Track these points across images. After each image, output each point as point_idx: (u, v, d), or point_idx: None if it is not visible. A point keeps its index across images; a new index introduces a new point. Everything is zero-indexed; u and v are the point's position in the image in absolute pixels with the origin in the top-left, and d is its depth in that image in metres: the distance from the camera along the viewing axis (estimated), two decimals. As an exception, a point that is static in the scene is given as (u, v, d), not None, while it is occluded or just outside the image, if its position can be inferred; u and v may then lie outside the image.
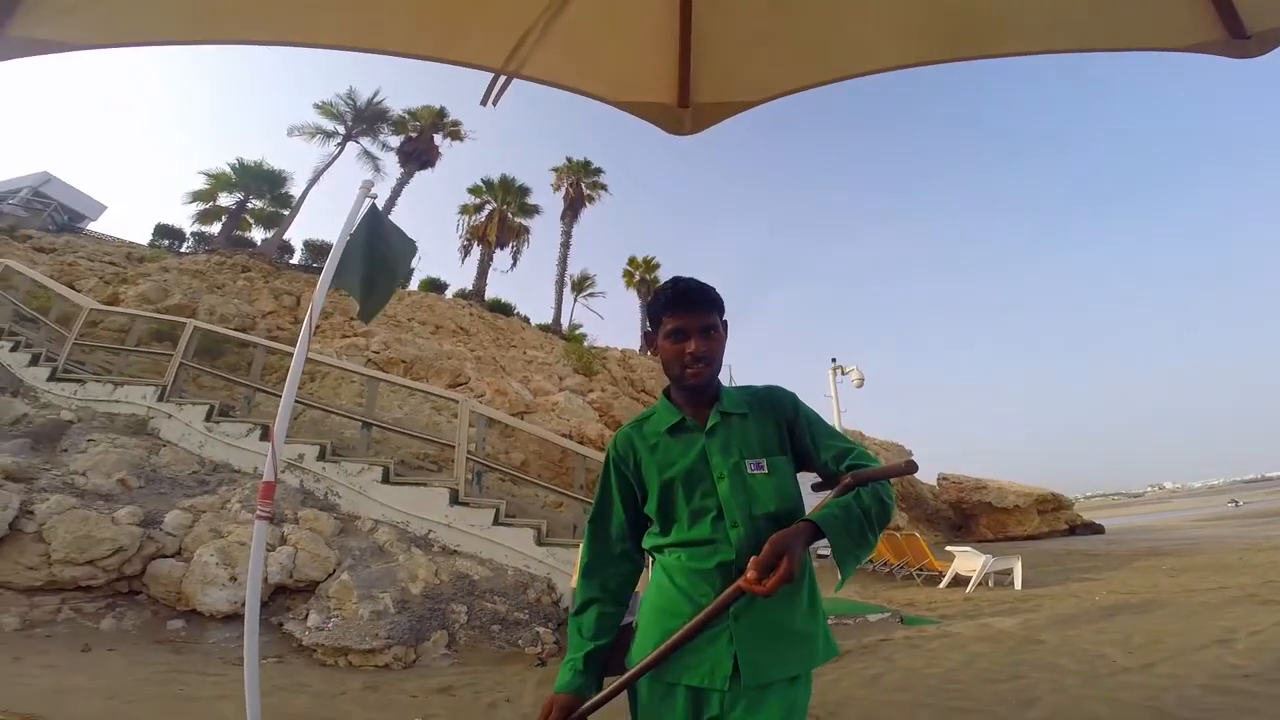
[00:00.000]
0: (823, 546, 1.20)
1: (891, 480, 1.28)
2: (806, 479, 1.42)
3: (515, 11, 1.64)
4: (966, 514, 25.42)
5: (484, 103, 1.69)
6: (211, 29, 1.61)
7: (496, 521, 6.14)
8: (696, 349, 1.34)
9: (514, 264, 30.38)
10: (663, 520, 1.35)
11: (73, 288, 12.35)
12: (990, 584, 9.94)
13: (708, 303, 1.38)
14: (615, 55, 1.85)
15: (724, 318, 1.43)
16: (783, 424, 1.40)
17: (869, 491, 1.24)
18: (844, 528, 1.19)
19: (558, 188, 32.34)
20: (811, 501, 1.28)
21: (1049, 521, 24.85)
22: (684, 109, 1.91)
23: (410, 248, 4.24)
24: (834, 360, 15.09)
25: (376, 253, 4.10)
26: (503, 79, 1.68)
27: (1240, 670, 3.89)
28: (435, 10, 1.66)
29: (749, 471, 1.31)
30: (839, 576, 1.24)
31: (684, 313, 1.36)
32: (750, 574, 1.11)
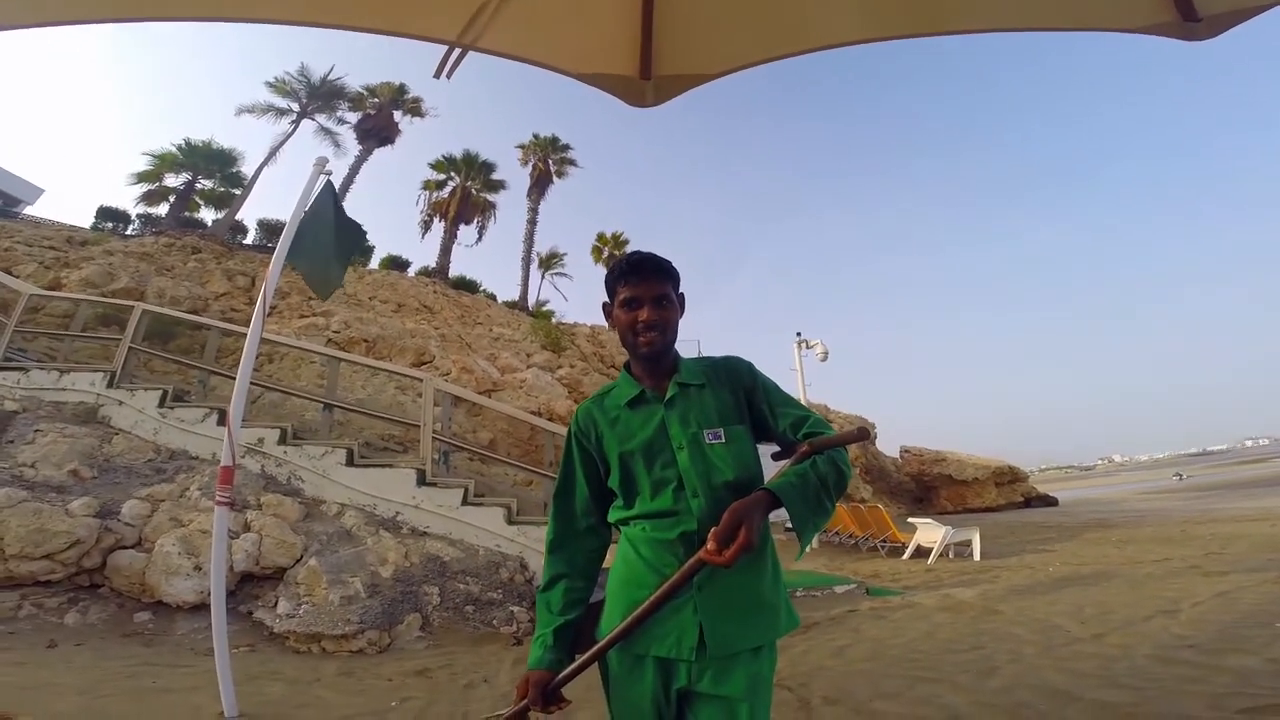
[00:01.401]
0: (788, 519, 1.22)
1: (849, 448, 1.30)
2: (768, 449, 1.43)
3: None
4: (928, 486, 26.16)
5: (437, 75, 1.63)
6: (148, 5, 1.52)
7: (465, 501, 6.09)
8: (649, 316, 1.35)
9: (479, 239, 29.93)
10: (626, 493, 1.35)
11: (10, 273, 11.75)
12: (951, 555, 10.27)
13: (662, 273, 1.38)
14: (576, 27, 1.81)
15: (679, 291, 1.43)
16: (740, 393, 1.41)
17: (825, 459, 1.25)
18: (801, 495, 1.20)
19: (525, 163, 31.85)
20: (771, 470, 1.30)
21: (1006, 494, 25.73)
22: (646, 81, 1.89)
23: (358, 231, 4.18)
24: (799, 334, 15.24)
25: (336, 230, 4.01)
26: (457, 51, 1.63)
27: (1185, 641, 4.07)
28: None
29: (707, 441, 1.31)
30: (800, 545, 1.25)
31: (638, 281, 1.37)
32: (710, 545, 1.12)
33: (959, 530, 10.41)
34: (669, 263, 1.41)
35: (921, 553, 10.41)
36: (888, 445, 29.11)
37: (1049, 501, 27.20)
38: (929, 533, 10.42)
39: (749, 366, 1.46)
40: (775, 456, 1.36)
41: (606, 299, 1.45)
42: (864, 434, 1.34)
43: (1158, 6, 1.64)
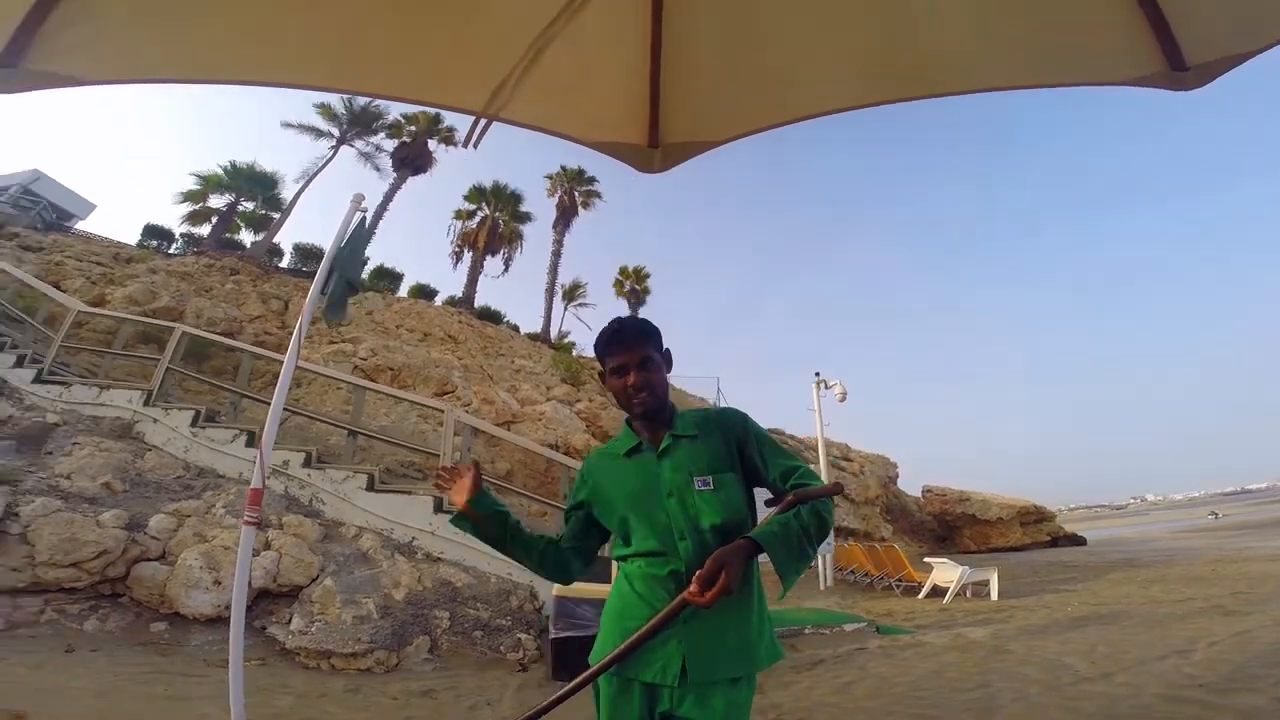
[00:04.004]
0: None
1: (834, 497, 1.43)
2: (765, 495, 1.56)
3: (495, 57, 1.77)
4: (950, 525, 25.65)
5: (465, 145, 1.81)
6: (210, 70, 1.73)
7: (480, 530, 6.21)
8: (636, 380, 1.49)
9: (505, 269, 30.36)
10: (623, 533, 1.49)
11: (59, 288, 12.30)
12: (968, 594, 10.09)
13: (641, 338, 1.53)
14: (589, 99, 1.98)
15: (663, 349, 1.57)
16: (732, 443, 1.53)
17: (809, 509, 1.37)
18: (782, 543, 1.32)
19: (551, 195, 32.42)
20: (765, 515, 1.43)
21: (1031, 533, 25.10)
22: (654, 148, 2.04)
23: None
24: (817, 374, 15.14)
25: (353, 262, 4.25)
26: (483, 122, 1.81)
27: (1195, 680, 4.03)
28: (418, 57, 1.78)
29: (696, 488, 1.44)
30: (782, 588, 1.38)
31: (620, 350, 1.52)
32: (694, 587, 1.24)
33: (976, 570, 10.23)
34: (649, 325, 1.56)
35: (937, 592, 10.24)
36: (910, 484, 28.61)
37: (1077, 541, 26.43)
38: (945, 572, 10.26)
39: (742, 417, 1.58)
40: (768, 503, 1.49)
41: (600, 368, 1.61)
42: (839, 488, 1.48)
43: (1145, 58, 1.68)
